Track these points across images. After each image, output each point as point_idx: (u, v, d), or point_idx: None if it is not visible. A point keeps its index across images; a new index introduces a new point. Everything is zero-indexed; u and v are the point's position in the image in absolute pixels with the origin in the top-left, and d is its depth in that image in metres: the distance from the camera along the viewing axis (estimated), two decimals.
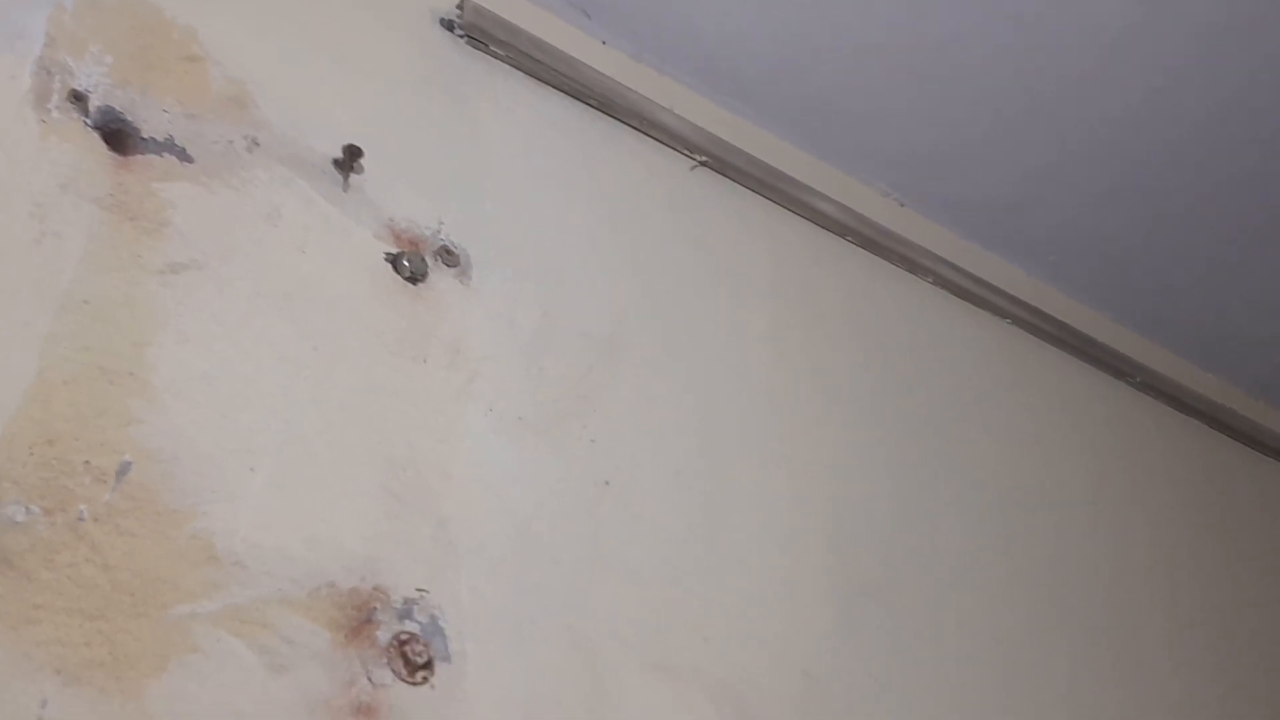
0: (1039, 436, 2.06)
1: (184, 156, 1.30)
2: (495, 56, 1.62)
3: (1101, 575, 2.01)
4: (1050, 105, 1.84)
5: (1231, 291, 2.22)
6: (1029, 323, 2.10)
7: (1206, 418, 2.34)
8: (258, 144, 1.36)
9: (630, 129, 1.72)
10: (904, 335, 1.93)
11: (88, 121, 1.24)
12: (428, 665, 1.22)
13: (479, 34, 1.60)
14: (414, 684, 1.21)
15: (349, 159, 1.40)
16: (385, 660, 1.20)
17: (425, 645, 1.23)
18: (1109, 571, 2.02)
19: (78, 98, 1.25)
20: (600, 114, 1.70)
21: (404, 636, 1.22)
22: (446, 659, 1.24)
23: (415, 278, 1.40)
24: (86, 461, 1.11)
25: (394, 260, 1.39)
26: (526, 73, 1.64)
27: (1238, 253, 2.12)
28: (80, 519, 1.09)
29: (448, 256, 1.45)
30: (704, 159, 1.77)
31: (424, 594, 1.26)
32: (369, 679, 1.18)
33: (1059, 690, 1.83)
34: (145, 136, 1.27)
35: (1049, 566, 1.94)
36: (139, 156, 1.27)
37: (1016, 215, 2.06)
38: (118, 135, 1.26)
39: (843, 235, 1.91)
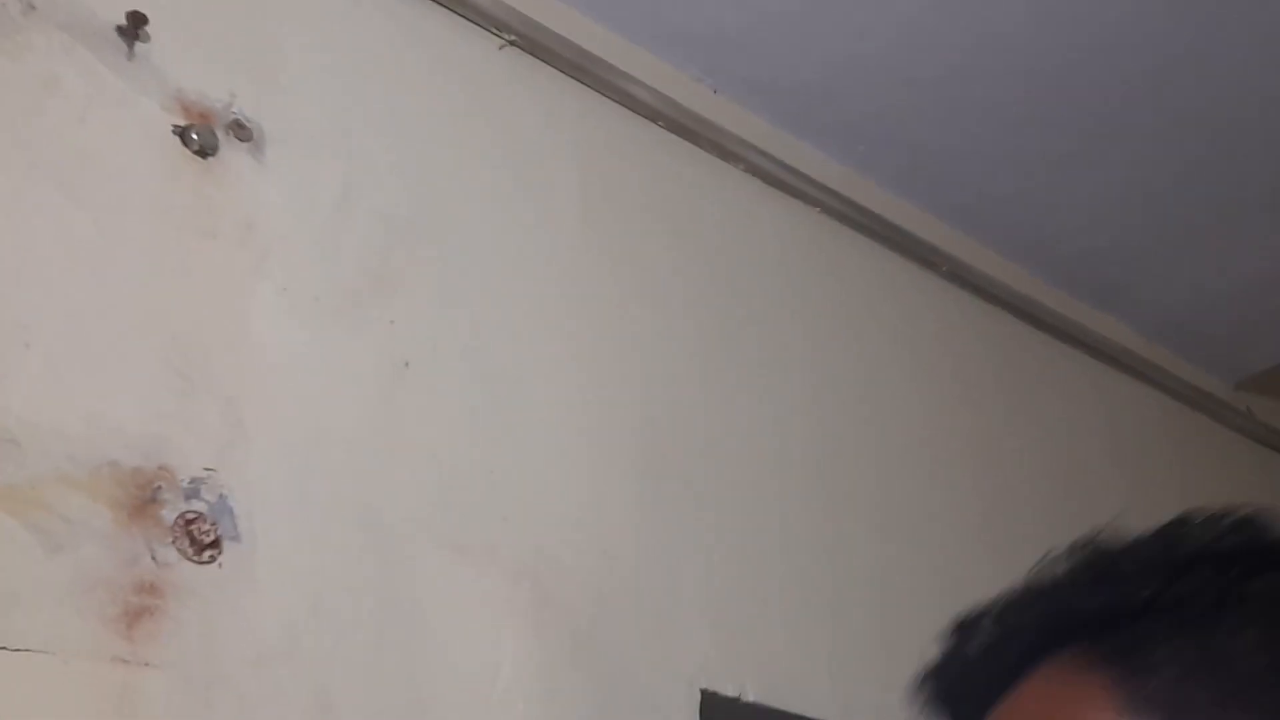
0: (847, 323, 2.10)
1: None
2: None
3: (906, 460, 2.08)
4: None
5: (1041, 181, 2.29)
6: (838, 211, 2.13)
7: (1009, 306, 2.42)
8: (33, 8, 1.29)
9: (435, 4, 1.69)
10: (714, 222, 1.95)
11: None
12: (215, 544, 1.21)
13: None
14: (201, 563, 1.20)
15: (133, 26, 1.35)
16: (171, 539, 1.19)
17: (212, 524, 1.22)
18: (914, 457, 2.09)
19: None
20: None
21: (190, 515, 1.21)
22: (235, 538, 1.24)
23: (205, 152, 1.36)
24: None
25: (182, 133, 1.35)
26: None
27: (1046, 143, 2.18)
28: None
29: (240, 131, 1.41)
30: (512, 39, 1.75)
31: (211, 473, 1.25)
32: (153, 558, 1.17)
33: (865, 574, 1.90)
34: None
35: (855, 452, 2.00)
36: None
37: (828, 103, 2.08)
38: None
39: (654, 120, 1.91)
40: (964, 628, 0.68)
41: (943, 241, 2.30)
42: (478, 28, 1.72)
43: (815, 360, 2.02)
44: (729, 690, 1.65)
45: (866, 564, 1.92)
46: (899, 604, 1.92)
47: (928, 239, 2.26)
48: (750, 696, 1.67)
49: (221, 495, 1.24)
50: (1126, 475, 2.44)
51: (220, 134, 1.38)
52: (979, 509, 2.16)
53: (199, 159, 1.36)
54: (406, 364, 1.46)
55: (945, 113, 2.11)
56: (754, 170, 2.03)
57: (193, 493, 1.22)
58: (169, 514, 1.20)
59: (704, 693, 1.61)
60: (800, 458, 1.91)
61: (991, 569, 2.09)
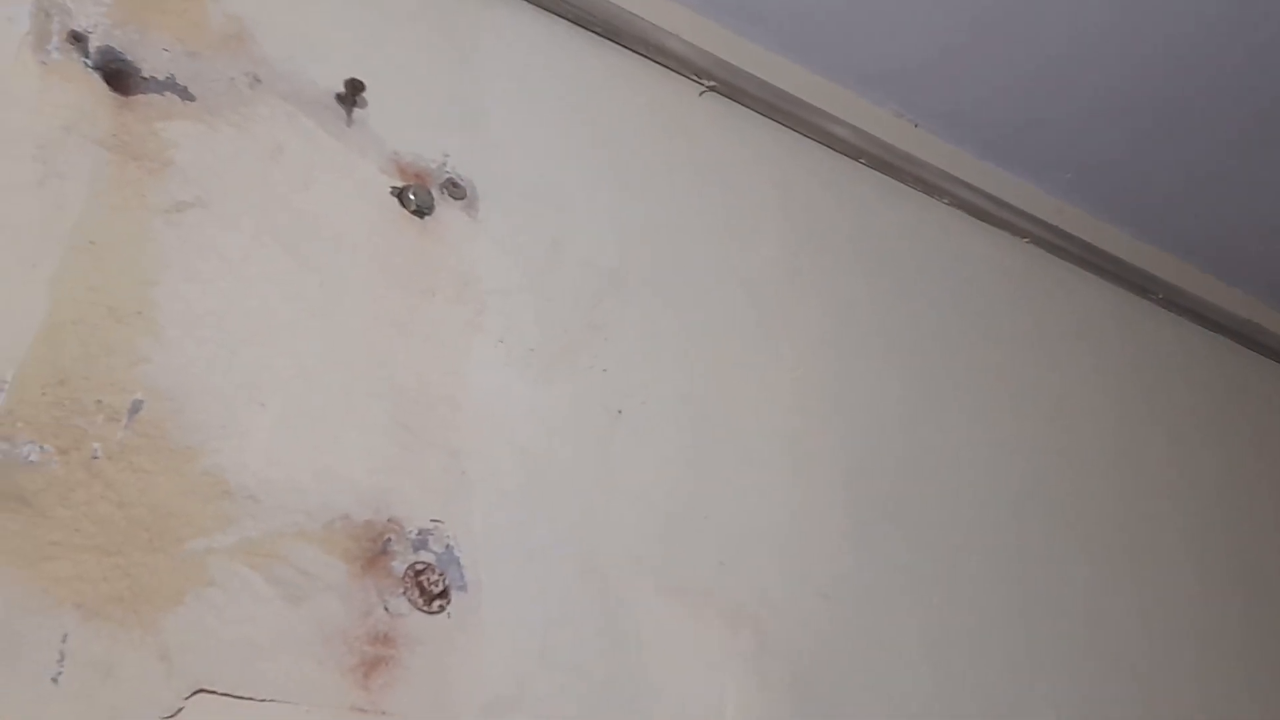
0: (1059, 354, 2.05)
1: (185, 95, 1.30)
2: None
3: (1120, 490, 2.00)
4: (1054, 16, 1.81)
5: (1256, 203, 2.19)
6: (1047, 241, 2.08)
7: (1229, 332, 2.32)
8: (259, 80, 1.35)
9: (636, 55, 1.71)
10: (920, 257, 1.92)
11: (88, 62, 1.24)
12: (444, 594, 1.23)
13: None
14: (431, 613, 1.22)
15: (351, 93, 1.40)
16: (402, 590, 1.22)
17: (441, 574, 1.24)
18: (1128, 486, 2.02)
19: (77, 38, 1.24)
20: (604, 40, 1.69)
21: (419, 566, 1.23)
22: (462, 588, 1.26)
23: (421, 211, 1.40)
24: (98, 400, 1.12)
25: (400, 194, 1.39)
26: (528, 0, 1.63)
27: (1263, 164, 2.09)
28: (94, 457, 1.10)
29: (454, 189, 1.44)
30: (712, 84, 1.76)
31: (438, 524, 1.27)
32: (385, 609, 1.20)
33: (1076, 603, 1.84)
34: (146, 76, 1.27)
35: (1067, 482, 1.93)
36: (140, 96, 1.26)
37: (1031, 132, 2.04)
38: (118, 75, 1.26)
39: (855, 158, 1.89)
40: None
41: (1158, 268, 2.22)
42: (678, 75, 1.74)
43: (1026, 393, 1.96)
44: None
45: (1076, 591, 1.85)
46: (1108, 630, 1.85)
47: (1142, 265, 2.19)
48: None
49: (448, 545, 1.26)
50: None
51: (435, 193, 1.42)
52: (1222, 543, 2.08)
53: (416, 218, 1.39)
54: (620, 411, 1.47)
55: (1155, 137, 2.04)
56: (959, 203, 1.99)
57: (421, 544, 1.25)
58: (399, 565, 1.22)
59: None
60: (1012, 491, 1.85)
61: (1201, 597, 2.00)
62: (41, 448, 1.08)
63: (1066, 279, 2.12)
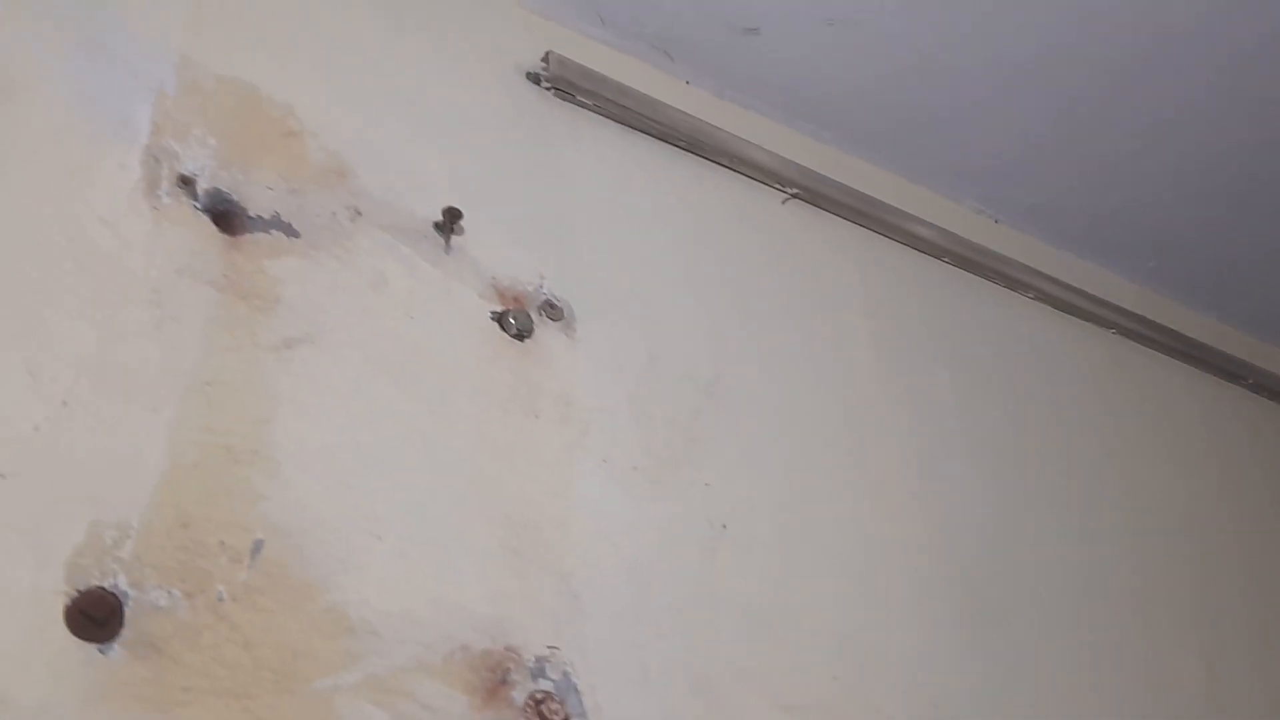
0: (1152, 445, 2.02)
1: (290, 231, 1.32)
2: (582, 105, 1.64)
3: (1233, 580, 1.96)
4: (1128, 108, 1.81)
5: None
6: (1133, 331, 2.07)
7: None
8: (359, 213, 1.38)
9: (720, 167, 1.73)
10: (1005, 352, 1.91)
11: (197, 205, 1.27)
12: None
13: (564, 85, 1.61)
14: None
15: (449, 221, 1.42)
16: None
17: (560, 703, 1.23)
18: (1240, 575, 1.98)
19: (186, 182, 1.27)
20: (689, 154, 1.71)
21: (539, 695, 1.22)
22: (582, 715, 1.24)
23: (522, 334, 1.41)
24: (221, 542, 1.12)
25: (500, 318, 1.40)
26: (614, 119, 1.66)
27: None
28: (220, 599, 1.10)
29: (551, 310, 1.45)
30: (795, 191, 1.77)
31: (554, 651, 1.26)
32: None
33: (1196, 696, 1.80)
34: (252, 215, 1.29)
35: (1170, 574, 1.90)
36: (248, 235, 1.29)
37: (1112, 222, 2.03)
38: (226, 216, 1.28)
39: (938, 257, 1.90)
40: None
41: (1247, 353, 2.20)
42: (761, 185, 1.75)
43: (1124, 485, 1.94)
44: None
45: (1194, 699, 1.81)
46: None
47: (1231, 352, 2.17)
48: None
49: (565, 672, 1.25)
50: None
51: (534, 315, 1.43)
52: None
53: (517, 341, 1.40)
54: (724, 525, 1.46)
55: (1236, 222, 2.03)
56: (1042, 296, 1.99)
57: (538, 671, 1.24)
58: (519, 695, 1.21)
59: None
60: (1119, 589, 1.82)
61: None
62: (169, 592, 1.08)
63: (1152, 367, 2.11)
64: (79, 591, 1.03)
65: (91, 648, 1.02)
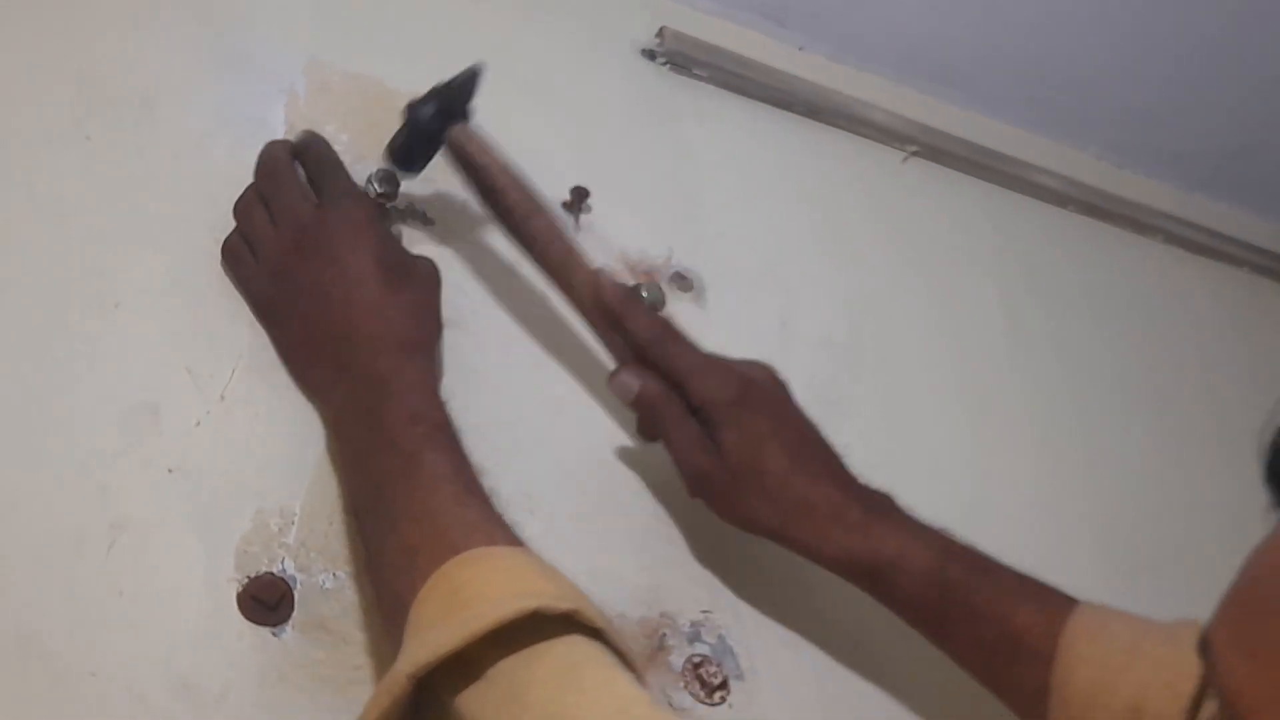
0: None
1: (424, 220, 1.35)
2: (698, 79, 1.65)
3: None
4: (1255, 44, 1.77)
5: None
6: (1269, 268, 2.02)
7: None
8: None
9: (838, 129, 1.73)
10: (1141, 299, 1.89)
11: None
12: (723, 685, 1.24)
13: (680, 59, 1.62)
14: (712, 704, 1.23)
15: (577, 200, 1.44)
16: (682, 684, 1.22)
17: (718, 666, 1.24)
18: None
19: None
20: (806, 119, 1.71)
21: (697, 659, 1.24)
22: (740, 677, 1.26)
23: (655, 307, 1.42)
24: None
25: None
26: (731, 89, 1.66)
27: None
28: None
29: (682, 282, 1.47)
30: (914, 149, 1.76)
31: (708, 615, 1.28)
32: (669, 704, 1.21)
33: None
34: (389, 207, 1.32)
35: None
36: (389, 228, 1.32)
37: (1240, 161, 1.99)
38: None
39: (1064, 206, 1.88)
40: None
41: None
42: (880, 144, 1.75)
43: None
44: None
45: None
46: None
47: None
48: None
49: (720, 636, 1.27)
50: None
51: (666, 288, 1.45)
52: None
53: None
54: None
55: None
56: (1173, 239, 1.96)
57: (694, 636, 1.25)
58: (677, 660, 1.23)
59: None
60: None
61: None
62: (335, 574, 1.12)
63: None
64: (249, 578, 1.07)
65: (265, 631, 1.05)
